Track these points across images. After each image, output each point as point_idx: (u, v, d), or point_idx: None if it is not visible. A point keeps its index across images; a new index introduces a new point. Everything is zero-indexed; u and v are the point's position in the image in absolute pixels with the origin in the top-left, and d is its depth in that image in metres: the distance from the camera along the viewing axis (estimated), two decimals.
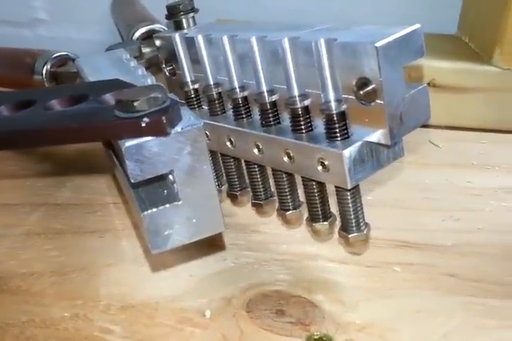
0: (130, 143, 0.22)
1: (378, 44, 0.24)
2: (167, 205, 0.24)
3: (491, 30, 0.46)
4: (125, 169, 0.23)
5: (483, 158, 0.43)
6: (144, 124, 0.22)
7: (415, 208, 0.37)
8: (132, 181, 0.23)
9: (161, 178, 0.24)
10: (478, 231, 0.35)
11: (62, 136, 0.23)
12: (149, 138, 0.22)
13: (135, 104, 0.22)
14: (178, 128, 0.23)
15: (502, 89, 0.46)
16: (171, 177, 0.24)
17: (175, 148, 0.23)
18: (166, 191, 0.24)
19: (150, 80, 0.29)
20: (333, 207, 0.31)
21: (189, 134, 0.23)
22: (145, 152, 0.22)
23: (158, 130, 0.22)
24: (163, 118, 0.22)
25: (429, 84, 0.47)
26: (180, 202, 0.24)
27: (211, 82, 0.33)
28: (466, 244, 0.34)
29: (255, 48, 0.29)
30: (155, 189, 0.25)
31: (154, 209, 0.23)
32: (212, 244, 0.33)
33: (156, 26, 0.42)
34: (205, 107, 0.35)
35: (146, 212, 0.23)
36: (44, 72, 0.41)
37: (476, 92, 0.47)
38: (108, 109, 0.23)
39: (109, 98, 0.25)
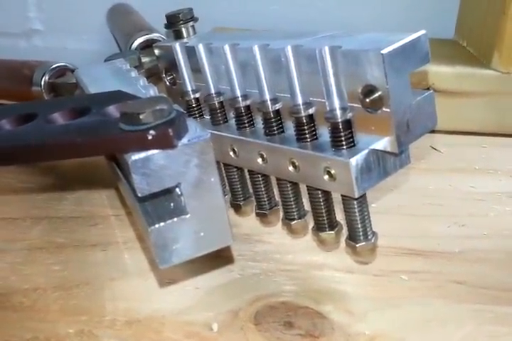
0: (136, 156, 0.22)
1: (384, 51, 0.23)
2: (175, 219, 0.23)
3: (489, 34, 0.46)
4: (131, 182, 0.23)
5: (485, 163, 0.43)
6: (150, 137, 0.21)
7: (420, 214, 0.37)
8: (139, 195, 0.22)
9: (168, 191, 0.24)
10: (484, 237, 0.35)
11: (67, 150, 0.22)
12: (156, 151, 0.22)
13: (141, 116, 0.22)
14: (184, 141, 0.22)
15: (501, 92, 0.46)
16: (177, 190, 0.23)
17: (182, 161, 0.22)
18: (172, 204, 0.24)
19: (152, 91, 0.29)
20: (339, 215, 0.31)
21: (196, 146, 0.22)
22: (152, 165, 0.22)
23: (164, 143, 0.22)
24: (170, 130, 0.21)
25: (428, 89, 0.46)
26: (187, 216, 0.23)
27: (213, 91, 0.33)
28: (473, 250, 0.34)
29: (258, 57, 0.29)
30: (161, 202, 0.24)
31: (162, 224, 0.23)
32: (218, 256, 0.32)
33: (155, 35, 0.42)
34: (207, 117, 0.34)
35: (153, 227, 0.23)
36: (42, 83, 0.41)
37: (475, 96, 0.46)
38: (112, 122, 0.23)
39: (113, 110, 0.25)
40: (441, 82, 0.46)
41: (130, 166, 0.22)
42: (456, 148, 0.46)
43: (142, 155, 0.22)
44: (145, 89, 0.29)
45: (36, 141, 0.23)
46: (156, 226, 0.23)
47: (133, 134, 0.22)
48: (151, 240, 0.23)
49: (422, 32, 0.25)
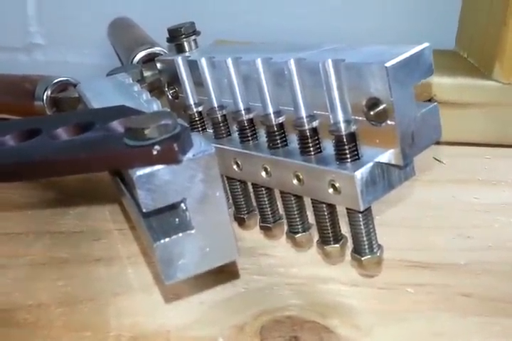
0: (141, 172, 0.22)
1: (388, 64, 0.23)
2: (180, 234, 0.23)
3: (491, 44, 0.46)
4: (136, 198, 0.23)
5: (488, 174, 0.43)
6: (155, 152, 0.21)
7: (424, 227, 0.37)
8: (144, 211, 0.22)
9: (173, 206, 0.23)
10: (490, 249, 0.35)
11: (72, 166, 0.22)
12: (161, 166, 0.22)
13: (145, 131, 0.21)
14: (189, 155, 0.22)
15: (503, 103, 0.46)
16: (182, 205, 0.23)
17: (187, 176, 0.22)
18: (177, 219, 0.24)
19: (155, 105, 0.29)
20: (344, 228, 0.30)
21: (201, 161, 0.22)
22: (157, 181, 0.22)
23: (170, 158, 0.21)
24: (175, 145, 0.21)
25: (429, 100, 0.46)
26: (193, 231, 0.23)
27: (215, 105, 0.33)
28: (479, 263, 0.33)
29: (260, 70, 0.29)
30: (166, 217, 0.24)
31: (167, 239, 0.23)
32: (222, 270, 0.32)
33: (157, 49, 0.42)
34: (210, 130, 0.34)
35: (158, 242, 0.23)
36: (45, 98, 0.41)
37: (477, 107, 0.47)
38: (117, 138, 0.23)
39: (117, 125, 0.25)
40: (442, 93, 0.46)
41: (135, 182, 0.22)
42: (458, 159, 0.46)
43: (147, 170, 0.22)
44: (148, 103, 0.29)
45: (41, 157, 0.22)
46: (162, 241, 0.23)
47: (138, 149, 0.21)
48: (157, 256, 0.23)
49: (426, 44, 0.25)
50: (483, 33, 0.48)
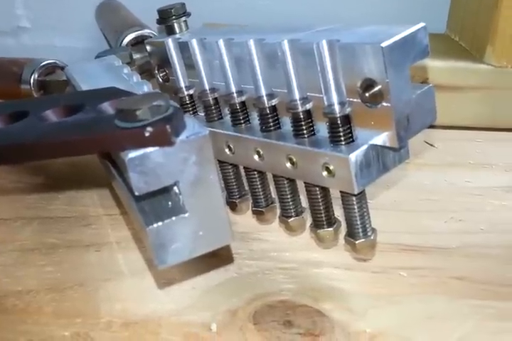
0: (134, 154, 0.21)
1: (384, 44, 0.23)
2: (173, 218, 0.23)
3: (482, 28, 0.46)
4: (127, 181, 0.22)
5: (480, 157, 0.43)
6: (147, 134, 0.21)
7: (416, 210, 0.37)
8: (136, 194, 0.22)
9: (165, 190, 0.23)
10: (482, 232, 0.35)
11: (62, 148, 0.21)
12: (153, 148, 0.21)
13: (137, 113, 0.21)
14: (183, 137, 0.22)
15: (495, 86, 0.46)
16: (175, 188, 0.23)
17: (180, 158, 0.22)
18: (170, 203, 0.23)
19: (146, 87, 0.28)
20: (337, 212, 0.30)
21: (195, 143, 0.22)
22: (149, 163, 0.21)
23: (162, 140, 0.21)
24: (168, 127, 0.21)
25: (422, 82, 0.46)
26: (186, 215, 0.23)
27: (207, 87, 0.32)
28: (471, 246, 0.33)
29: (253, 51, 0.28)
30: (159, 201, 0.23)
31: (160, 223, 0.22)
32: (215, 255, 0.32)
33: (146, 31, 0.41)
34: (201, 113, 0.34)
35: (151, 226, 0.22)
36: (32, 81, 0.40)
37: (469, 91, 0.46)
38: (108, 119, 0.22)
39: (107, 107, 0.24)
40: (434, 77, 0.46)
41: (127, 164, 0.21)
42: (450, 142, 0.45)
43: (139, 152, 0.21)
44: (138, 85, 0.29)
45: (30, 140, 0.22)
46: (155, 225, 0.22)
47: (129, 131, 0.21)
48: (149, 240, 0.22)
49: (422, 24, 0.24)
50: (475, 16, 0.47)
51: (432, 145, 0.45)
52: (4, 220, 0.37)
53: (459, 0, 0.51)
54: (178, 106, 0.24)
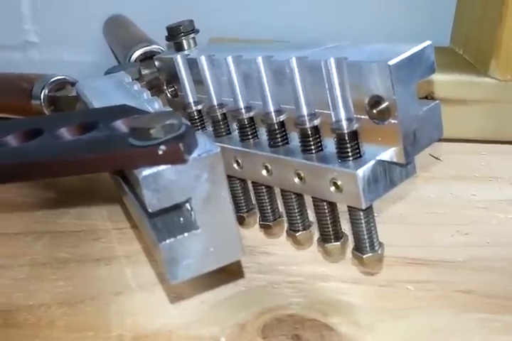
0: (147, 172, 0.21)
1: (391, 62, 0.23)
2: (185, 234, 0.23)
3: (486, 41, 0.46)
4: (140, 198, 0.23)
5: (485, 170, 0.44)
6: (161, 152, 0.21)
7: (422, 224, 0.37)
8: (150, 210, 0.22)
9: (177, 206, 0.23)
10: (488, 246, 0.35)
11: (77, 167, 0.22)
12: (166, 166, 0.22)
13: (151, 131, 0.21)
14: (195, 155, 0.22)
15: (499, 100, 0.46)
16: (187, 205, 0.23)
17: (192, 176, 0.22)
18: (182, 219, 0.24)
19: (157, 104, 0.29)
20: (344, 226, 0.31)
21: (207, 161, 0.22)
22: (162, 181, 0.22)
23: (175, 157, 0.21)
24: (181, 145, 0.21)
25: (426, 97, 0.47)
26: (198, 231, 0.23)
27: (215, 103, 0.33)
28: (477, 259, 0.34)
29: (261, 68, 0.29)
30: (171, 217, 0.24)
31: (172, 239, 0.23)
32: (224, 270, 0.32)
33: (154, 47, 0.42)
34: (210, 128, 0.34)
35: (164, 242, 0.23)
36: (42, 96, 0.41)
37: (473, 104, 0.47)
38: (122, 138, 0.22)
39: (120, 125, 0.24)
40: (438, 90, 0.47)
41: (141, 182, 0.21)
42: (455, 156, 0.46)
43: (153, 170, 0.22)
44: (149, 102, 0.29)
45: (46, 158, 0.22)
46: (167, 241, 0.23)
47: (143, 149, 0.21)
48: (162, 256, 0.23)
49: (428, 42, 0.25)
50: (479, 30, 0.48)
51: (437, 158, 0.45)
52: (15, 234, 0.38)
53: (463, 13, 0.51)
54: (189, 123, 0.24)
